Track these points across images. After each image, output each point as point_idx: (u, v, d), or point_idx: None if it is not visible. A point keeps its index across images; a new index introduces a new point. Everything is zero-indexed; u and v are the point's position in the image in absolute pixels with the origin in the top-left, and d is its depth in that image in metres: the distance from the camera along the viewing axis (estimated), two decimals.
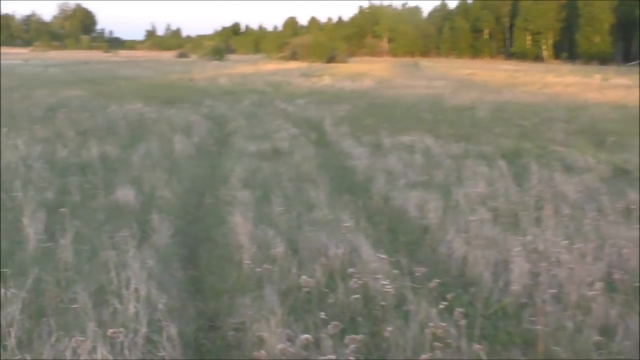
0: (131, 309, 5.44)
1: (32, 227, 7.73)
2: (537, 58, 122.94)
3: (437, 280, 5.96)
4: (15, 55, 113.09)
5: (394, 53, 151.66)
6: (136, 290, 5.72)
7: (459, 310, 5.22)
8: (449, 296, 5.63)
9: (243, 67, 67.92)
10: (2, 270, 6.20)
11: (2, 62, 76.47)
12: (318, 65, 76.38)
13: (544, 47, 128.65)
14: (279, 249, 7.07)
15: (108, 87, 34.36)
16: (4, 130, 15.40)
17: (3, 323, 5.20)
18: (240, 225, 7.82)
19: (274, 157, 13.49)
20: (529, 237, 7.54)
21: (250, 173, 11.60)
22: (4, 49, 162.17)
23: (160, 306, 5.60)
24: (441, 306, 5.40)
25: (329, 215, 8.56)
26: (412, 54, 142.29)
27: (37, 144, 13.83)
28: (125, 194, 9.57)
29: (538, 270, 6.47)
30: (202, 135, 16.46)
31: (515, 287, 6.19)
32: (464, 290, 6.34)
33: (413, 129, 17.17)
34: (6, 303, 5.49)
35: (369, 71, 58.51)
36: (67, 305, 5.65)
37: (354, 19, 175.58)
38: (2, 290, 5.64)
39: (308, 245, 7.37)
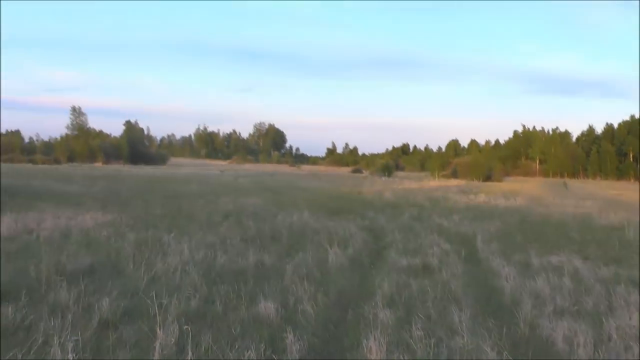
0: None
1: (162, 340, 6.71)
2: None
3: None
4: (215, 166, 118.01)
5: (544, 173, 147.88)
6: None
7: None
8: None
9: (408, 183, 66.94)
10: None
11: (202, 171, 79.35)
12: (476, 183, 74.42)
13: None
14: None
15: (284, 197, 34.02)
16: (174, 234, 14.92)
17: None
18: (374, 351, 6.53)
19: (423, 273, 12.06)
20: None
21: (397, 289, 10.22)
22: (208, 161, 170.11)
23: None
24: None
25: (470, 344, 7.09)
26: (561, 174, 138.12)
27: (201, 249, 13.08)
28: (267, 307, 8.47)
29: None
30: (358, 247, 15.27)
31: None
32: None
33: (562, 249, 15.37)
34: None
35: (522, 189, 56.22)
36: None
37: (509, 142, 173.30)
38: None
39: None
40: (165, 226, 17.30)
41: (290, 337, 7.05)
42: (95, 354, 6.52)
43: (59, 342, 6.51)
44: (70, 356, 6.04)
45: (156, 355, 6.32)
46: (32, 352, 6.38)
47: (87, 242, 13.96)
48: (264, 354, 6.51)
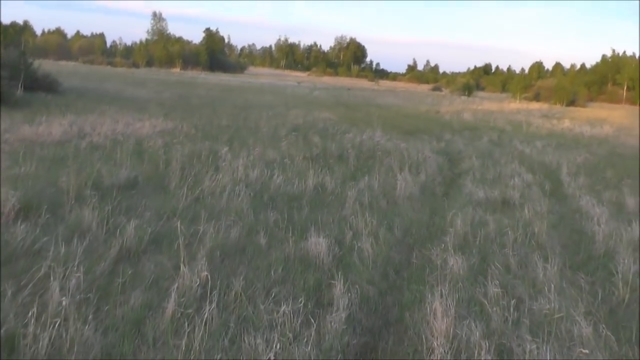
0: None
1: (185, 280, 5.56)
2: None
3: None
4: (293, 77, 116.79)
5: (632, 101, 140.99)
6: None
7: None
8: None
9: (488, 104, 64.18)
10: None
11: (279, 82, 78.25)
12: (559, 108, 70.93)
13: None
14: None
15: (358, 113, 32.50)
16: (233, 147, 13.79)
17: None
18: (439, 313, 5.23)
19: (502, 209, 10.62)
20: None
21: (472, 228, 8.82)
22: (287, 72, 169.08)
23: None
24: None
25: (558, 310, 5.70)
26: None
27: (258, 167, 11.81)
28: (318, 243, 7.16)
29: None
30: (431, 172, 13.84)
31: None
32: None
33: None
34: None
35: (608, 117, 53.04)
36: None
37: (596, 67, 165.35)
38: None
39: None
40: (226, 138, 16.20)
41: (339, 286, 5.79)
42: (100, 294, 5.38)
43: (63, 275, 5.42)
44: (65, 299, 4.90)
45: (171, 303, 5.14)
46: (27, 287, 5.29)
47: (138, 152, 12.96)
48: (304, 309, 5.29)
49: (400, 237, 8.37)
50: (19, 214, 7.44)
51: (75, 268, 5.57)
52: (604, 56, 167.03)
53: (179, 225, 6.84)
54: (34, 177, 9.54)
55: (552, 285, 6.36)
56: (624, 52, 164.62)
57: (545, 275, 6.84)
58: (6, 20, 38.34)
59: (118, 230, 6.98)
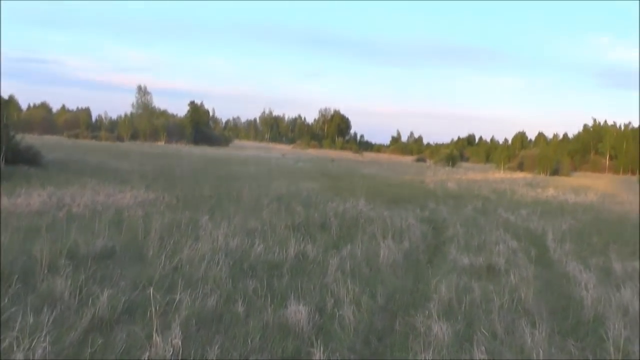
0: None
1: (157, 350, 5.32)
2: None
3: None
4: (277, 150, 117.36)
5: (615, 170, 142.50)
6: None
7: None
8: None
9: (472, 174, 64.51)
10: None
11: (263, 154, 78.42)
12: (542, 177, 71.48)
13: None
14: None
15: (341, 183, 32.40)
16: (214, 216, 13.59)
17: None
18: None
19: (487, 276, 10.44)
20: None
21: (457, 295, 8.63)
22: (272, 144, 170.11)
23: None
24: None
25: None
26: (632, 171, 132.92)
27: (239, 236, 11.64)
28: (297, 311, 6.95)
29: None
30: (415, 240, 13.66)
31: None
32: None
33: None
34: None
35: (592, 185, 53.38)
36: None
37: (578, 136, 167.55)
38: None
39: None
40: (208, 208, 16.01)
41: (318, 354, 5.58)
42: None
43: (29, 346, 5.18)
44: None
45: None
46: None
47: (117, 221, 12.74)
48: None
49: (383, 304, 8.17)
50: None
51: (42, 338, 5.33)
52: (585, 125, 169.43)
53: (152, 294, 6.61)
54: (7, 247, 9.30)
55: (541, 352, 6.17)
56: (605, 121, 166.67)
57: (533, 341, 6.65)
58: None
59: (90, 300, 6.77)
